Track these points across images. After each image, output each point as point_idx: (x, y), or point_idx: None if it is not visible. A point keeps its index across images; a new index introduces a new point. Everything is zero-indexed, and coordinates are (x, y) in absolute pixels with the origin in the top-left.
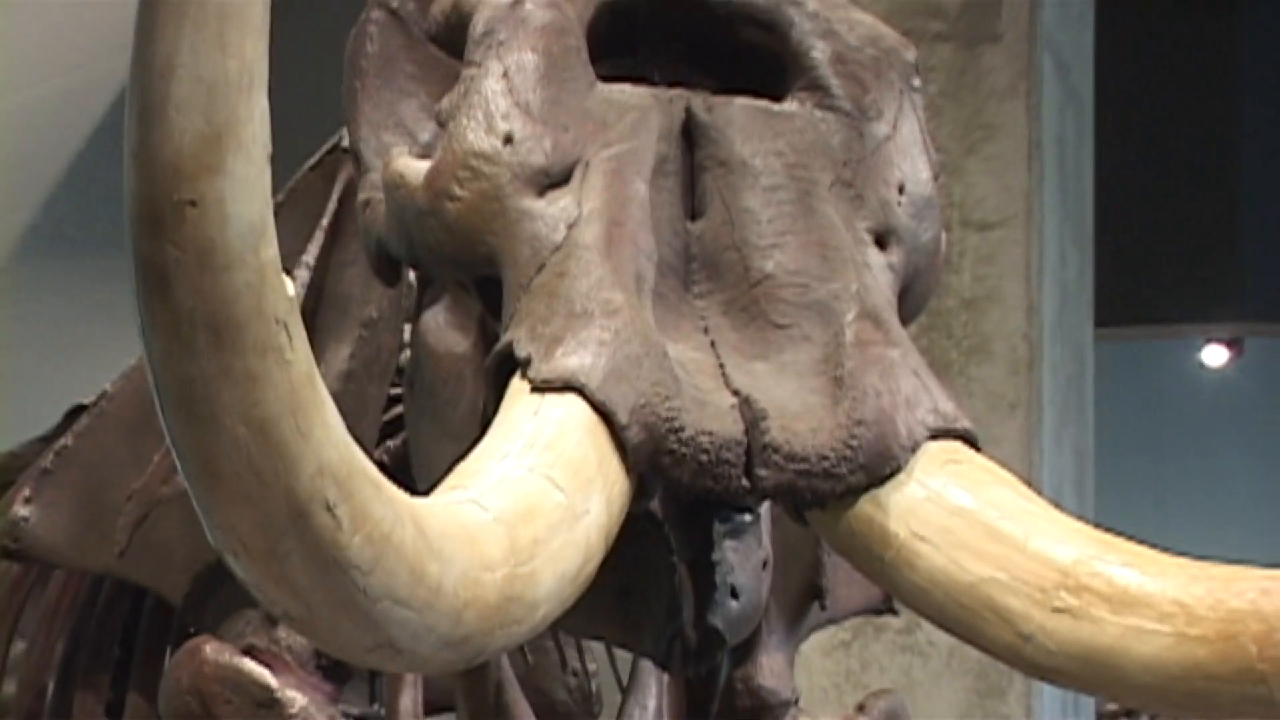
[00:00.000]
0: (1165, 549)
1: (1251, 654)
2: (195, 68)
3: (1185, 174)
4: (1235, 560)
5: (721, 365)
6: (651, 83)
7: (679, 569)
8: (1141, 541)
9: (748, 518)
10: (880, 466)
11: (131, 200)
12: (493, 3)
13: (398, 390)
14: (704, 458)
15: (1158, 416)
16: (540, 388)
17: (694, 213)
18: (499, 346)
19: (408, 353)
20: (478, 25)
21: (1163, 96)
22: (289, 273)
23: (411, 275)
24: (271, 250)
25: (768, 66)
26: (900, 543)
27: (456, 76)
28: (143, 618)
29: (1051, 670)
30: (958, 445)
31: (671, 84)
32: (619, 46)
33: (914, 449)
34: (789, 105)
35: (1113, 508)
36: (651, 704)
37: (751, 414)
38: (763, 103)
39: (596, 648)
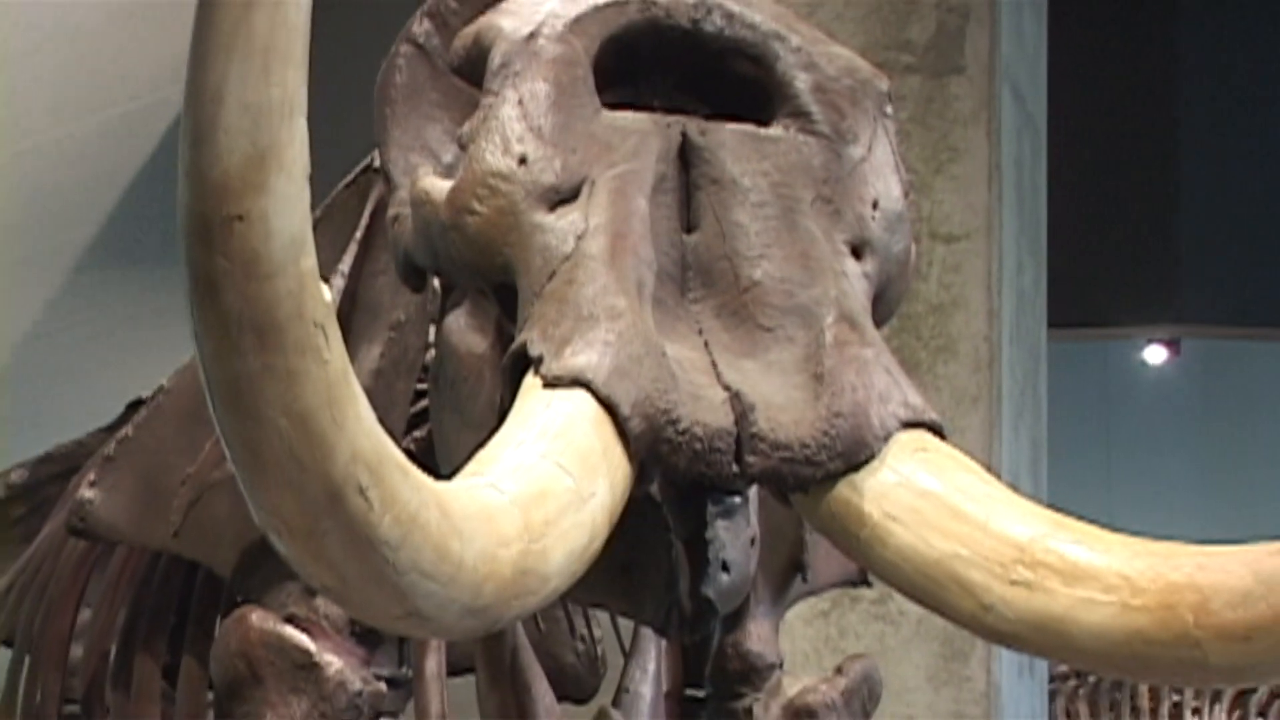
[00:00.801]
0: (1111, 528)
1: (1188, 622)
2: (242, 96)
3: (1129, 193)
4: (1173, 538)
5: (714, 363)
6: (651, 110)
7: (676, 546)
8: (1090, 521)
9: (737, 500)
10: (856, 454)
11: (185, 215)
12: (509, 38)
13: (423, 386)
14: (698, 446)
15: (1104, 409)
16: (551, 383)
17: (689, 226)
18: (514, 346)
19: (432, 352)
20: (495, 58)
21: (1108, 123)
22: (326, 280)
23: (436, 282)
24: (310, 260)
25: (755, 95)
26: (874, 522)
27: (476, 104)
28: (195, 589)
29: (1009, 637)
30: (926, 435)
31: (669, 110)
32: (622, 77)
33: (886, 438)
34: (774, 130)
35: (1064, 491)
36: (651, 667)
37: (741, 407)
38: (751, 127)
39: (602, 616)
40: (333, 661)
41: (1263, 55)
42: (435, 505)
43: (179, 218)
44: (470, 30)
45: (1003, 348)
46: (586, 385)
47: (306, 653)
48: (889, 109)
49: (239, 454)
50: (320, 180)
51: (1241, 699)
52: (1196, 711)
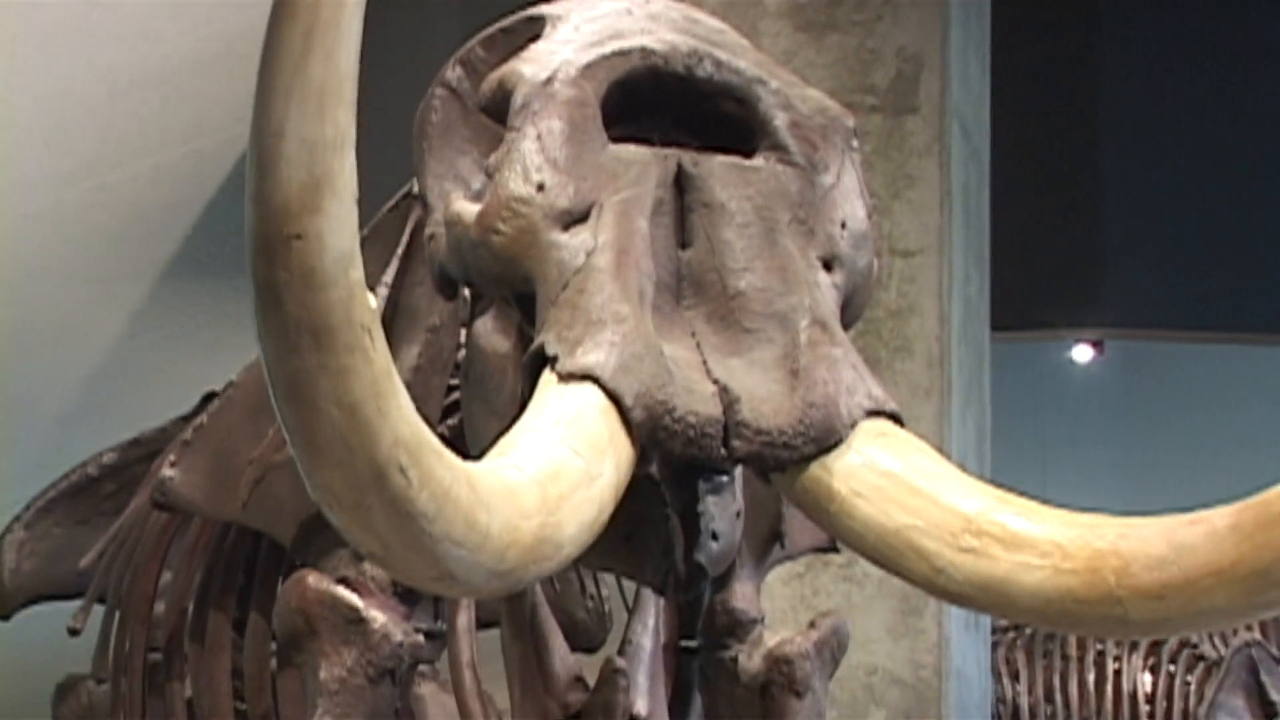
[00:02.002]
0: (1045, 502)
1: (1111, 583)
2: (300, 132)
3: (1060, 214)
4: (1099, 511)
5: (705, 361)
6: (650, 143)
7: (672, 518)
8: (1027, 496)
9: (725, 478)
10: (827, 439)
11: (250, 234)
12: (529, 82)
13: (455, 381)
14: (691, 433)
15: (1039, 401)
16: (565, 378)
17: (684, 243)
18: (533, 347)
19: (463, 351)
20: (517, 99)
21: (1041, 155)
22: (372, 290)
23: (466, 292)
24: (359, 273)
25: (740, 131)
26: (842, 498)
27: (501, 139)
28: (260, 555)
29: (958, 596)
30: (886, 423)
31: (666, 144)
32: (626, 115)
33: (853, 425)
34: (757, 161)
35: (1004, 471)
36: (651, 622)
37: (728, 399)
38: (736, 159)
39: (608, 578)
40: (378, 617)
41: (1178, 94)
42: (465, 483)
43: (246, 236)
44: (496, 75)
45: (952, 347)
46: (595, 380)
47: (355, 610)
48: (855, 143)
49: (297, 439)
50: (367, 204)
51: (1155, 649)
52: (1117, 659)
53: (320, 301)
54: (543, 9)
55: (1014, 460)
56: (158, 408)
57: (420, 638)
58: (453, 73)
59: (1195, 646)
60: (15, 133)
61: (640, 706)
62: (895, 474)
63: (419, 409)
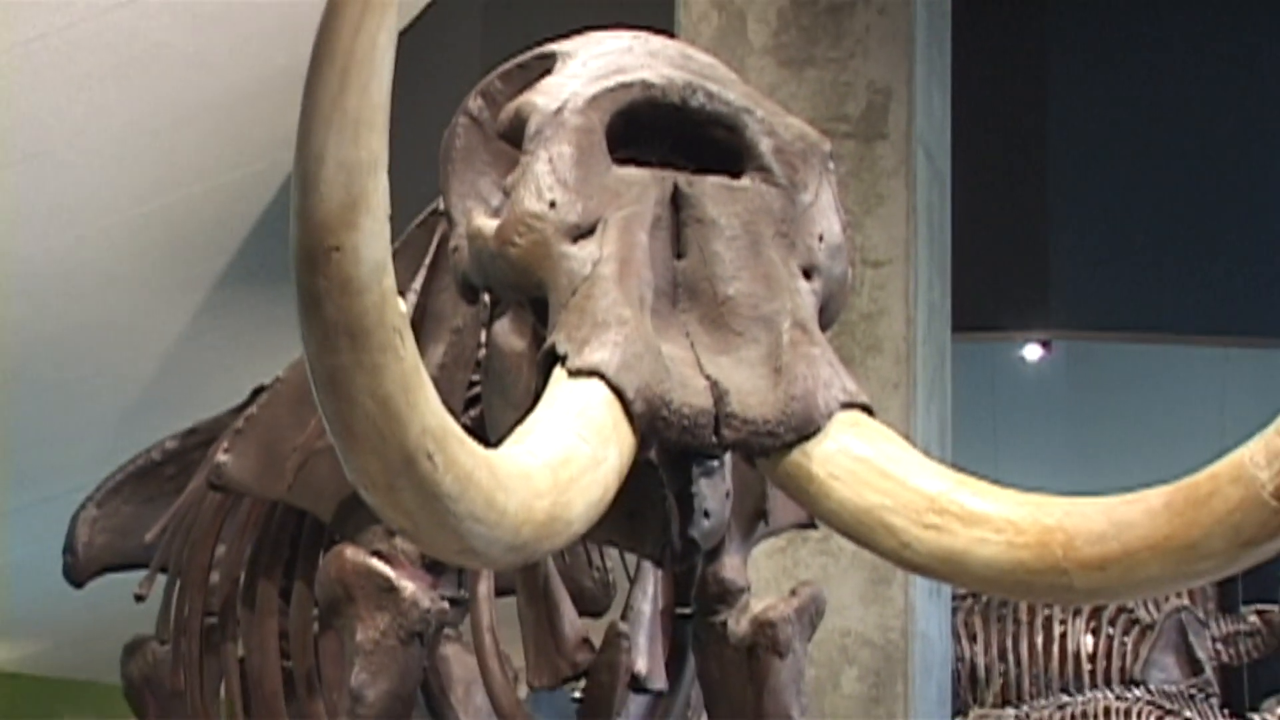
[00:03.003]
0: (999, 484)
1: (1058, 556)
2: (338, 156)
3: (1012, 228)
4: (1046, 491)
5: (698, 359)
6: (650, 166)
7: (668, 498)
8: (983, 478)
9: (715, 463)
10: (806, 428)
11: (294, 247)
12: (541, 111)
13: (476, 376)
14: (685, 422)
15: (994, 394)
16: (574, 374)
17: (679, 254)
18: (545, 346)
19: (484, 350)
20: (531, 126)
21: (996, 176)
22: (402, 295)
23: (486, 297)
24: (390, 281)
25: (729, 155)
26: (820, 480)
27: (517, 162)
28: (304, 531)
29: (922, 567)
30: (859, 414)
31: (663, 166)
32: (627, 141)
33: (829, 416)
34: (744, 181)
35: (963, 456)
36: (650, 590)
37: (718, 392)
38: (726, 179)
39: (611, 551)
40: (408, 586)
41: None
42: (485, 467)
43: (290, 248)
44: (512, 105)
45: (917, 347)
46: (601, 376)
47: (388, 579)
48: (831, 165)
49: (336, 428)
50: (398, 220)
51: (1096, 614)
52: (1062, 623)
53: (356, 306)
54: (553, 47)
55: (972, 447)
56: (213, 400)
57: (445, 604)
58: (474, 103)
59: (1131, 611)
60: (90, 158)
61: (641, 665)
62: (867, 459)
63: (444, 402)
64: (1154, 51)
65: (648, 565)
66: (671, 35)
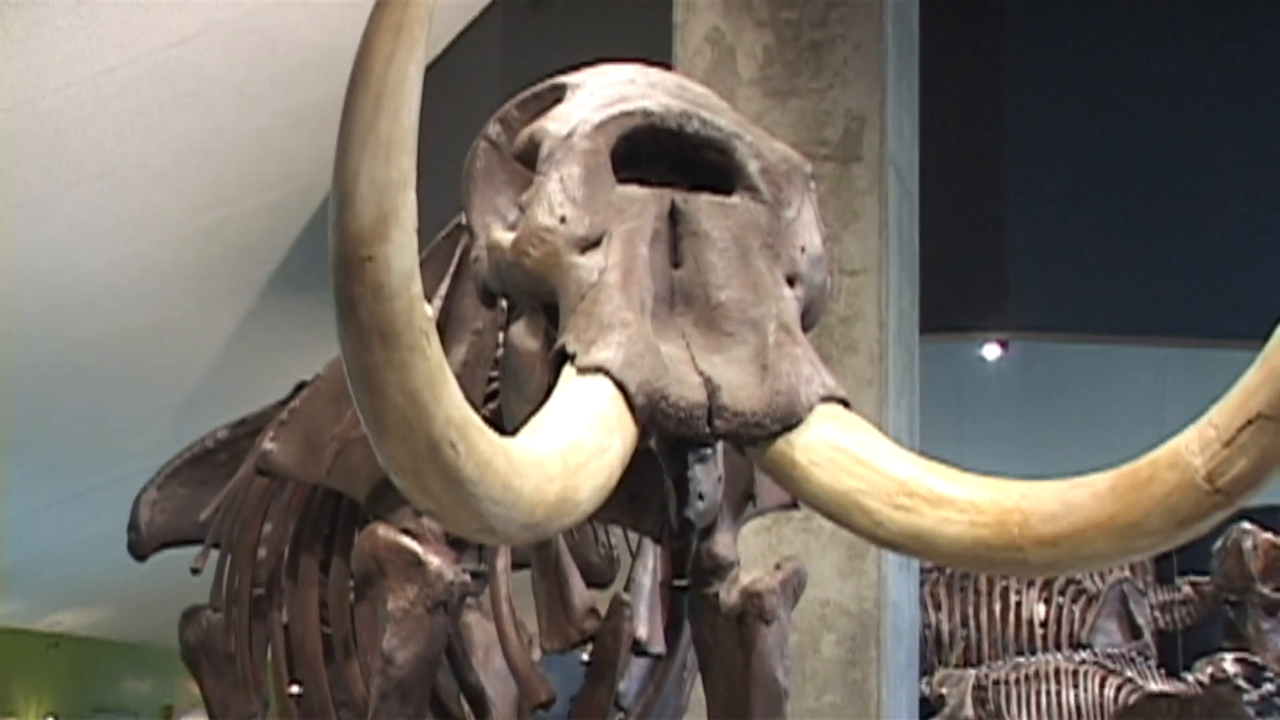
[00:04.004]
0: (962, 469)
1: (1014, 534)
2: (372, 175)
3: (973, 240)
4: (1004, 476)
5: (693, 358)
6: (650, 184)
7: (666, 482)
8: (948, 465)
9: (709, 451)
10: (789, 419)
11: (332, 256)
12: (553, 136)
13: (495, 373)
14: (682, 415)
15: (957, 390)
16: (582, 371)
17: (676, 264)
18: (556, 346)
19: (502, 350)
20: (544, 150)
21: (960, 194)
22: (429, 300)
23: (503, 302)
24: (418, 287)
25: (721, 175)
26: (802, 466)
27: (531, 181)
28: (341, 511)
29: (893, 544)
30: (837, 407)
31: (662, 185)
32: (630, 162)
33: (810, 409)
34: (734, 199)
35: (930, 445)
36: (650, 564)
37: (711, 388)
38: (718, 197)
39: (616, 529)
40: (434, 560)
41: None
42: (503, 455)
43: (328, 258)
44: (527, 131)
45: (889, 347)
46: (606, 373)
47: (416, 554)
48: (812, 184)
49: (369, 419)
50: (425, 233)
51: (1048, 585)
52: (1018, 593)
53: (387, 310)
54: (564, 78)
55: (938, 437)
56: (260, 394)
57: (467, 577)
58: (493, 129)
59: (1079, 583)
60: (151, 177)
61: (642, 631)
62: (844, 447)
63: (466, 396)
64: (1096, 92)
65: (648, 542)
66: (669, 68)
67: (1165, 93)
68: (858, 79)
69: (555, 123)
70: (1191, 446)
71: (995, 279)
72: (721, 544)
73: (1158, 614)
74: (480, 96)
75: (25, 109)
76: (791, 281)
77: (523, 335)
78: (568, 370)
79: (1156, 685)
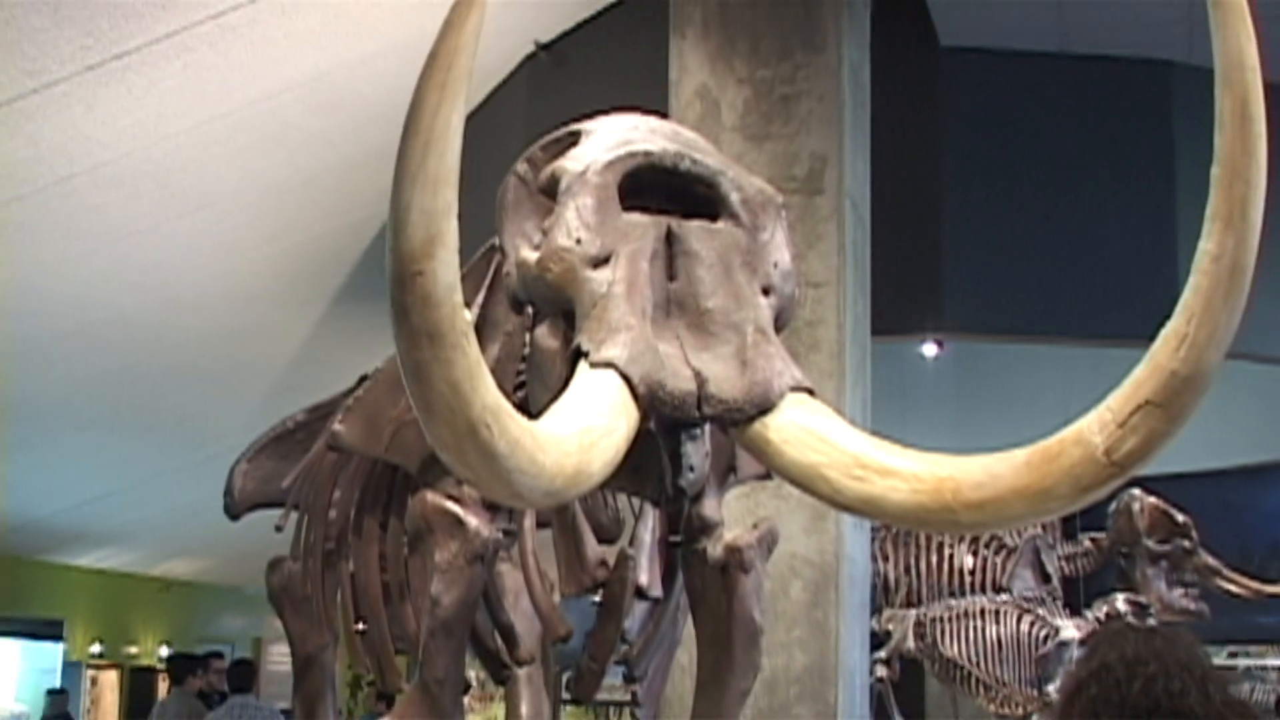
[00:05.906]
0: (907, 446)
1: (949, 499)
2: (421, 205)
3: (914, 258)
4: (940, 452)
5: (685, 355)
6: (650, 212)
7: (663, 457)
8: (895, 442)
9: (698, 431)
10: (765, 405)
11: (389, 271)
12: (570, 173)
13: (523, 368)
14: (676, 401)
15: (902, 382)
16: (594, 366)
17: (671, 277)
18: (573, 346)
19: (528, 349)
20: (563, 184)
21: (903, 220)
22: (468, 308)
23: (529, 309)
24: (459, 297)
25: (709, 205)
26: (774, 444)
27: (552, 210)
28: (397, 480)
29: (849, 508)
30: (804, 395)
31: (660, 213)
32: (634, 194)
33: (782, 397)
34: (719, 225)
35: (880, 426)
36: (650, 523)
37: (700, 380)
38: (706, 223)
39: (621, 495)
40: (472, 520)
41: (999, 183)
42: (529, 434)
43: (386, 273)
44: (549, 168)
45: (846, 346)
46: (614, 367)
47: (458, 516)
48: (783, 213)
49: (419, 405)
50: (465, 251)
51: (975, 540)
52: (951, 547)
53: (434, 315)
54: (579, 125)
55: (886, 420)
56: (330, 384)
57: (500, 534)
58: (521, 166)
59: (1001, 538)
60: (242, 208)
61: (643, 579)
62: (809, 429)
63: (499, 386)
64: (1019, 140)
65: (649, 505)
66: (666, 117)
67: (1066, 147)
68: (820, 126)
69: (572, 162)
70: (1092, 427)
71: (933, 290)
72: (709, 507)
73: (1064, 563)
74: (510, 140)
75: (141, 154)
76: (766, 292)
77: (545, 336)
78: (582, 365)
79: (1063, 621)
